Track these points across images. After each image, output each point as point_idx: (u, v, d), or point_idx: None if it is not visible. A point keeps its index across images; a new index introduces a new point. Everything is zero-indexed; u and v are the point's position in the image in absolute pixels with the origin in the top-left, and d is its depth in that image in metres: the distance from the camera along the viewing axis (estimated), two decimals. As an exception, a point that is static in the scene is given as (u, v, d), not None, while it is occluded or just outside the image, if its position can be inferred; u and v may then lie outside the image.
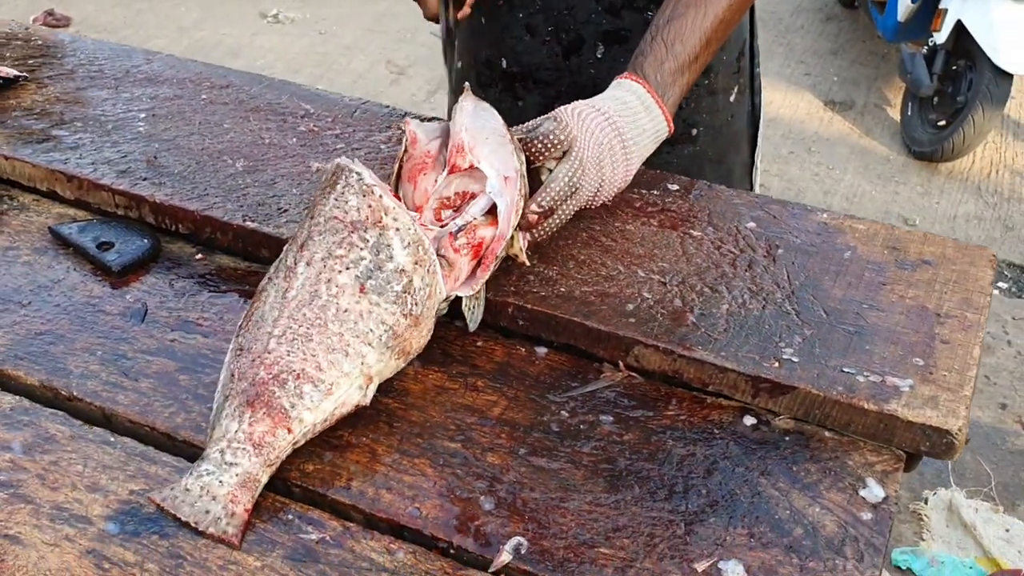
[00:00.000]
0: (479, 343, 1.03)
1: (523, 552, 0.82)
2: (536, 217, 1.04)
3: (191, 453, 0.90)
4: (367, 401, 0.91)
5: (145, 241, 1.12)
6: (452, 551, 0.83)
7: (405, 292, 0.92)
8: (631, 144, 1.09)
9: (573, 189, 1.04)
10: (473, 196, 1.04)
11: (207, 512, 0.82)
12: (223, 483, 0.84)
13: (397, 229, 0.93)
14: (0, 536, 0.82)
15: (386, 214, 0.93)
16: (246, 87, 1.40)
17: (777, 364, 0.95)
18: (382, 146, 1.27)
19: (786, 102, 4.71)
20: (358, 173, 0.94)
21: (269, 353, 0.89)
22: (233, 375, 0.89)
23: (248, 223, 1.11)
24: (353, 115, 1.34)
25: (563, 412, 0.95)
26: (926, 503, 2.37)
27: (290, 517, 0.84)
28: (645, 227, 1.14)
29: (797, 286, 1.06)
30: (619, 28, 1.39)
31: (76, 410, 0.95)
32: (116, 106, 1.34)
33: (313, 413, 0.87)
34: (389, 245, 0.92)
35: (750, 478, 0.89)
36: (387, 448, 0.91)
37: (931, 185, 4.13)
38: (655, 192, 1.21)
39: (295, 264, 0.93)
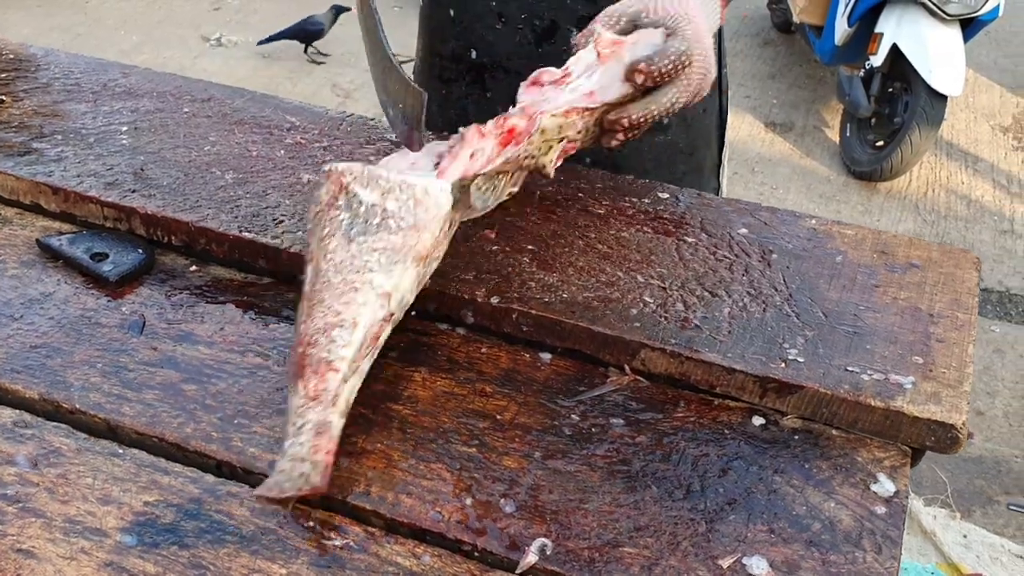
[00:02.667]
0: (483, 350, 1.03)
1: (549, 553, 0.82)
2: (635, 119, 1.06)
3: (203, 463, 0.89)
4: (398, 313, 0.95)
5: (140, 252, 1.10)
6: (477, 553, 0.82)
7: (384, 219, 0.95)
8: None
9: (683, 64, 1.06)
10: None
11: (301, 475, 0.84)
12: (303, 443, 0.85)
13: (355, 177, 0.96)
14: (13, 551, 0.79)
15: (343, 176, 0.96)
16: (228, 100, 1.39)
17: (784, 364, 0.97)
18: (371, 158, 1.27)
19: (729, 124, 4.80)
20: (322, 173, 0.99)
21: (300, 336, 0.92)
22: (287, 374, 0.93)
23: (245, 234, 1.10)
24: (340, 127, 1.34)
25: (573, 416, 0.96)
26: (886, 512, 2.42)
27: (311, 524, 0.83)
28: (640, 234, 1.16)
29: (794, 289, 1.08)
30: (595, 14, 1.36)
31: (79, 423, 0.92)
32: (96, 119, 1.32)
33: (349, 348, 0.90)
34: (355, 195, 0.96)
35: (764, 476, 0.90)
36: (403, 454, 0.90)
37: (871, 204, 4.24)
38: (646, 200, 1.22)
39: (305, 272, 0.96)
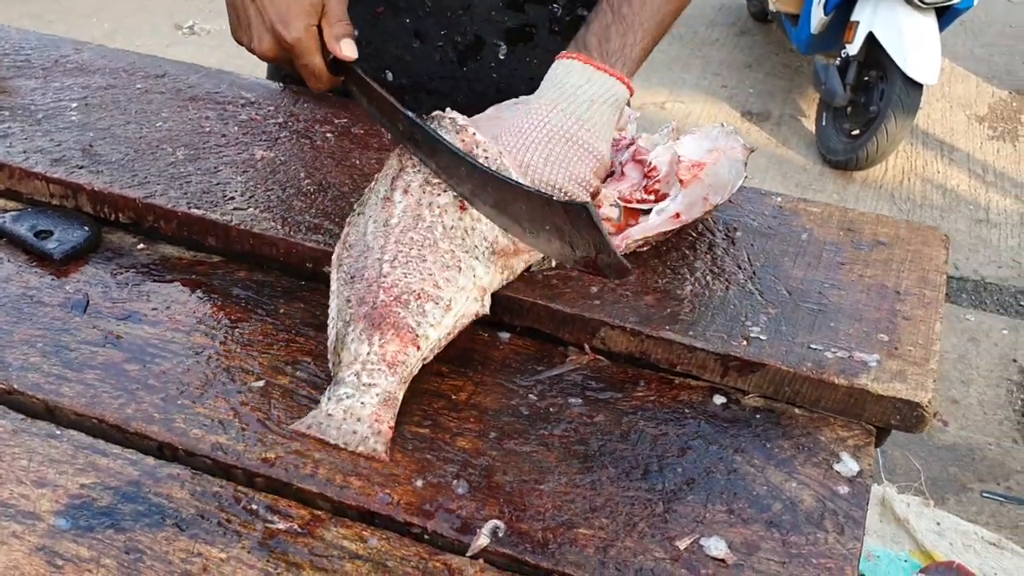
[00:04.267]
0: (440, 329, 1.00)
1: (501, 535, 0.79)
2: None
3: (143, 445, 0.86)
4: (486, 310, 0.95)
5: (85, 229, 1.06)
6: (427, 536, 0.79)
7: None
8: (580, 131, 1.01)
9: None
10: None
11: (354, 432, 0.84)
12: (365, 404, 0.85)
13: (486, 158, 0.97)
14: (-60, 535, 0.76)
15: (477, 147, 0.97)
16: (183, 76, 1.35)
17: (745, 342, 0.95)
18: (328, 135, 1.23)
19: (705, 113, 4.78)
20: (451, 118, 0.99)
21: (385, 277, 0.91)
22: (350, 300, 0.91)
23: (194, 210, 1.07)
24: (296, 103, 1.31)
25: (531, 396, 0.93)
26: (859, 499, 2.40)
27: (254, 507, 0.80)
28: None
29: (758, 267, 1.05)
30: (523, 24, 1.31)
31: (16, 404, 0.89)
32: (46, 96, 1.28)
33: (437, 329, 0.90)
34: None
35: (725, 456, 0.87)
36: (352, 435, 0.87)
37: (847, 193, 4.22)
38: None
39: (391, 194, 0.97)
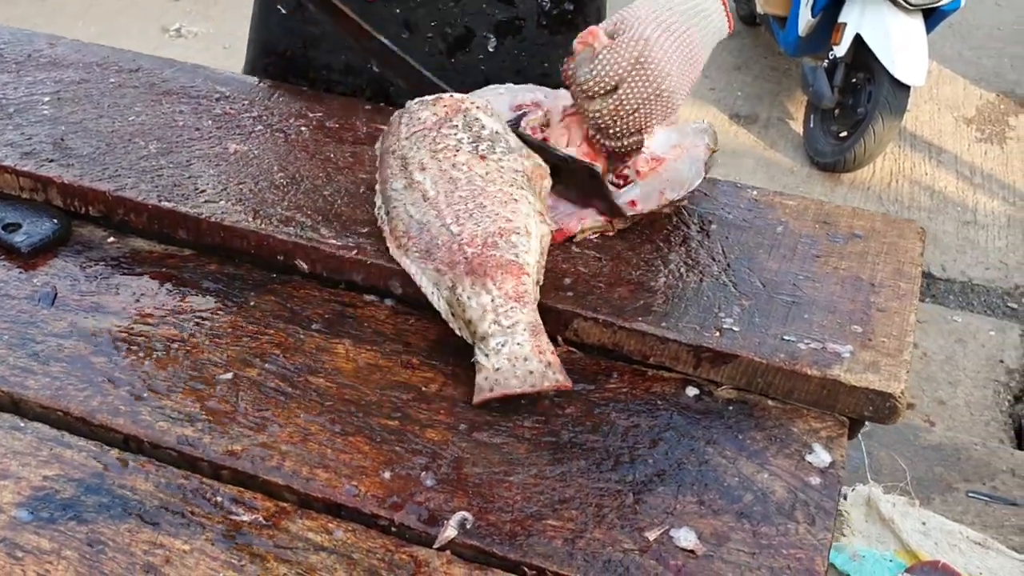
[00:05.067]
0: (411, 321, 0.99)
1: (469, 527, 0.78)
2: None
3: (109, 438, 0.85)
4: (555, 226, 1.00)
5: (55, 222, 1.05)
6: (394, 528, 0.78)
7: (509, 149, 0.99)
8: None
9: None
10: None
11: (531, 372, 0.85)
12: (521, 343, 0.86)
13: (475, 104, 1.00)
14: (-102, 528, 0.75)
15: (462, 102, 1.00)
16: (157, 71, 1.34)
17: (718, 334, 0.94)
18: (303, 128, 1.23)
19: (692, 115, 4.78)
20: (420, 101, 1.02)
21: (459, 236, 0.92)
22: (439, 270, 0.93)
23: (165, 203, 1.06)
24: (271, 97, 1.29)
25: (502, 388, 0.92)
26: (845, 499, 2.40)
27: (219, 499, 0.79)
28: (577, 205, 1.12)
29: (732, 259, 1.05)
30: (513, 17, 1.32)
31: (-19, 397, 0.88)
32: (18, 90, 1.27)
33: (531, 255, 0.92)
34: (477, 119, 1.00)
35: (696, 447, 0.87)
36: (320, 427, 0.86)
37: (834, 195, 4.22)
38: (585, 172, 1.19)
39: (411, 178, 0.98)
